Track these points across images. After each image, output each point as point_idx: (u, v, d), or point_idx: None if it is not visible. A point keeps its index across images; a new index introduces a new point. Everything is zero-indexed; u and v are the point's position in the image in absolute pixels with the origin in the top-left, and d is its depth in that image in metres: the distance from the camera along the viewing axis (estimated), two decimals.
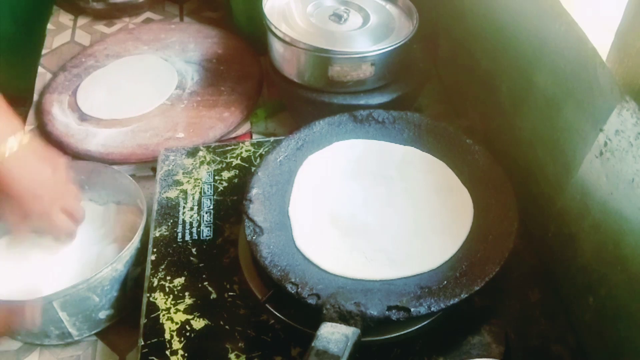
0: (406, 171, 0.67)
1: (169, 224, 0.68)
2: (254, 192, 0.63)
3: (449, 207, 0.63)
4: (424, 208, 0.63)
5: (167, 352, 0.56)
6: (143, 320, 0.59)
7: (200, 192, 0.71)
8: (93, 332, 0.67)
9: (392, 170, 0.67)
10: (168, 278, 0.63)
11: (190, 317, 0.59)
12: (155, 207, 0.70)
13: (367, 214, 0.63)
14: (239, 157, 0.76)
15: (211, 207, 0.70)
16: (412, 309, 0.52)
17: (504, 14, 0.69)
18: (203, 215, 0.69)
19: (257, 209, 0.61)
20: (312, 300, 0.53)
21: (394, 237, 0.61)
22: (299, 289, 0.54)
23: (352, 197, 0.65)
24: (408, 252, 0.59)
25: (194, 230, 0.67)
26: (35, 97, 0.97)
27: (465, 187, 0.65)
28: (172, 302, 0.60)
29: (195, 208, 0.70)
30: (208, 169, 0.74)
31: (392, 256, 0.59)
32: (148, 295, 0.61)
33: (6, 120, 0.60)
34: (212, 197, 0.71)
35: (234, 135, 0.89)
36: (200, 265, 0.64)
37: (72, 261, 0.72)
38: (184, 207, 0.70)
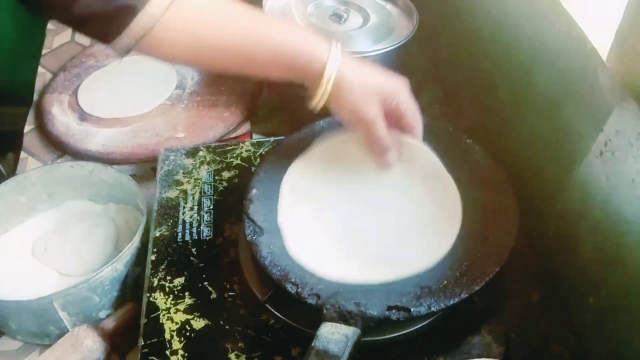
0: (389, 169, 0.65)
1: (169, 224, 0.68)
2: (254, 192, 0.63)
3: (436, 200, 0.62)
4: (413, 204, 0.62)
5: (167, 352, 0.56)
6: (143, 320, 0.59)
7: (200, 192, 0.71)
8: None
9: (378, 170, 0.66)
10: (168, 278, 0.62)
11: (190, 317, 0.59)
12: (155, 207, 0.70)
13: (359, 217, 0.61)
14: (239, 157, 0.76)
15: (211, 207, 0.70)
16: (412, 309, 0.51)
17: (504, 14, 0.69)
18: (203, 215, 0.69)
19: (257, 209, 0.61)
20: (312, 300, 0.53)
21: (389, 238, 0.60)
22: (299, 289, 0.54)
23: (342, 202, 0.63)
24: (403, 251, 0.58)
25: (194, 230, 0.67)
26: (35, 97, 0.97)
27: (449, 174, 0.63)
28: (172, 302, 0.60)
29: (195, 208, 0.70)
30: (208, 169, 0.74)
31: (389, 258, 0.58)
32: (148, 295, 0.61)
33: None
34: (212, 197, 0.71)
35: (234, 135, 0.89)
36: (200, 265, 0.64)
37: (72, 261, 0.72)
38: (184, 207, 0.70)
